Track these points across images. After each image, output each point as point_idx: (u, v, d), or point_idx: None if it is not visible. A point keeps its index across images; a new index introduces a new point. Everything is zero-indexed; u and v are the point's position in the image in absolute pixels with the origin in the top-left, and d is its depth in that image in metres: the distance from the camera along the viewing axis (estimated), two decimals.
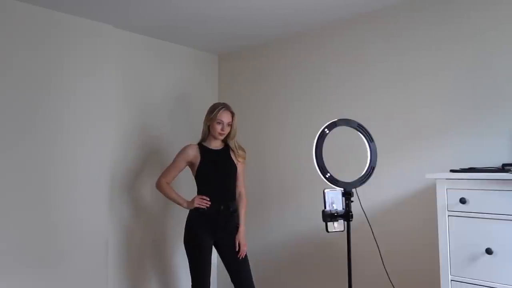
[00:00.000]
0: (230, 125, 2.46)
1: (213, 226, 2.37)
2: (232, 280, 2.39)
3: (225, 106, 2.46)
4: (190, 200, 2.41)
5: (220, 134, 2.43)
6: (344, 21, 2.71)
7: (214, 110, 2.44)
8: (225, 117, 2.42)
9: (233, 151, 2.50)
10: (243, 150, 2.54)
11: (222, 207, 2.38)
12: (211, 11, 2.55)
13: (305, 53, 2.93)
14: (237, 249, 2.38)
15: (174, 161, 2.46)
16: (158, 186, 2.47)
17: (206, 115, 2.47)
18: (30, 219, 2.33)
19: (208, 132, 2.48)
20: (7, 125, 2.27)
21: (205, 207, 2.35)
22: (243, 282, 2.36)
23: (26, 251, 2.30)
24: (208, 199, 2.36)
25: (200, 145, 2.49)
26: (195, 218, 2.40)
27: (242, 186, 2.54)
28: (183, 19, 2.67)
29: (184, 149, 2.45)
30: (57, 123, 2.47)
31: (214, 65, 3.51)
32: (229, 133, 2.47)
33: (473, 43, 2.18)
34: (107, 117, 2.71)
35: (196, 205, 2.36)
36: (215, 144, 2.49)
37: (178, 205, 2.46)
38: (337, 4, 2.46)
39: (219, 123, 2.42)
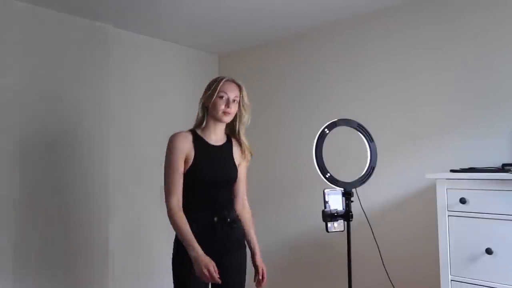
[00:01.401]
0: (238, 103, 1.76)
1: (207, 245, 1.63)
2: None
3: (228, 78, 1.77)
4: (197, 266, 1.57)
5: (225, 114, 1.71)
6: (344, 21, 2.71)
7: (213, 83, 1.75)
8: (229, 89, 1.72)
9: (240, 145, 1.83)
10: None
11: (216, 219, 1.70)
12: (211, 11, 2.55)
13: (305, 53, 2.93)
14: (260, 276, 1.84)
15: (170, 162, 1.68)
16: (172, 214, 1.65)
17: (203, 94, 1.78)
18: (29, 220, 2.33)
19: (204, 118, 1.77)
20: (7, 125, 2.27)
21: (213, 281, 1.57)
22: None
23: (25, 251, 2.30)
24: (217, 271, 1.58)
25: (195, 134, 1.75)
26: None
27: (245, 194, 1.89)
28: (183, 19, 2.67)
29: (175, 140, 1.70)
30: (55, 123, 2.47)
31: (214, 65, 3.50)
32: (236, 118, 1.79)
33: (474, 44, 2.18)
34: (107, 117, 2.71)
35: (202, 271, 1.55)
36: (215, 137, 1.78)
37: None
38: (337, 5, 2.46)
39: (221, 97, 1.70)
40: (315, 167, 1.84)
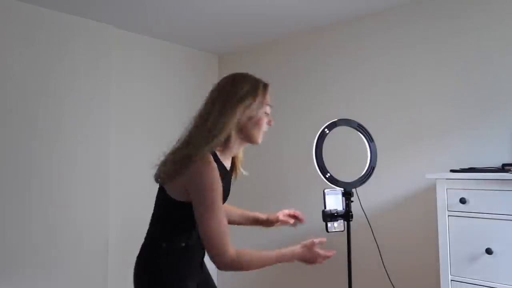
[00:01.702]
0: None
1: (198, 266, 1.45)
2: None
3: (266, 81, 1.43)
4: (303, 245, 1.40)
5: (265, 133, 1.41)
6: (344, 21, 2.71)
7: (257, 86, 1.36)
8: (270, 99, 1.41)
9: (237, 167, 1.52)
10: None
11: None
12: (211, 11, 2.55)
13: (305, 53, 2.93)
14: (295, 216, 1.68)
15: (217, 206, 1.23)
16: (238, 259, 1.25)
17: (238, 99, 1.30)
18: (29, 220, 2.33)
19: (230, 136, 1.31)
20: (6, 125, 2.27)
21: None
22: None
23: (25, 251, 2.30)
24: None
25: (216, 159, 1.31)
26: (176, 261, 1.35)
27: None
28: (184, 19, 2.67)
29: (215, 179, 1.24)
30: (57, 123, 2.47)
31: (214, 65, 3.51)
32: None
33: (474, 43, 2.18)
34: (107, 117, 2.71)
35: (316, 259, 1.38)
36: (228, 162, 1.42)
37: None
38: (337, 5, 2.46)
39: (267, 113, 1.38)
40: (315, 167, 1.84)
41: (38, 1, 2.35)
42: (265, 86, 1.37)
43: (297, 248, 1.35)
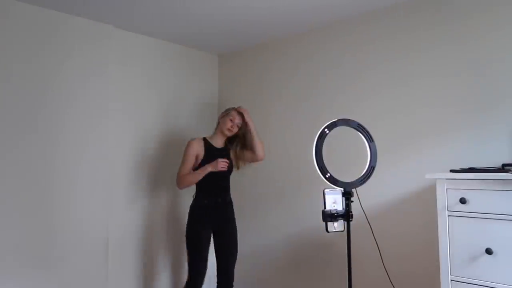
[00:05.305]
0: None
1: (213, 217, 2.56)
2: (218, 266, 2.61)
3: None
4: (212, 163, 2.51)
5: (228, 130, 2.65)
6: (344, 22, 2.71)
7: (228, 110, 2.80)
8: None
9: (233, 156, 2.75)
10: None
11: (219, 199, 2.60)
12: (211, 11, 2.55)
13: (305, 53, 2.93)
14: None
15: (184, 157, 2.57)
16: (180, 181, 2.54)
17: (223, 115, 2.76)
18: (30, 220, 2.33)
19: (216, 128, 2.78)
20: (7, 126, 2.27)
21: (226, 168, 2.51)
22: (228, 268, 2.58)
23: (26, 251, 2.30)
24: (227, 161, 2.53)
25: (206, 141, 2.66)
26: (197, 212, 2.57)
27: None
28: (183, 19, 2.67)
29: (190, 144, 2.59)
30: (57, 123, 2.47)
31: (214, 65, 3.51)
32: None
33: (474, 44, 2.18)
34: (107, 117, 2.71)
35: (220, 168, 2.48)
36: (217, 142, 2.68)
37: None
38: (337, 4, 2.46)
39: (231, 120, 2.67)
40: (315, 167, 1.84)
41: (38, 1, 2.35)
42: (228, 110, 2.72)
43: (208, 165, 2.52)
